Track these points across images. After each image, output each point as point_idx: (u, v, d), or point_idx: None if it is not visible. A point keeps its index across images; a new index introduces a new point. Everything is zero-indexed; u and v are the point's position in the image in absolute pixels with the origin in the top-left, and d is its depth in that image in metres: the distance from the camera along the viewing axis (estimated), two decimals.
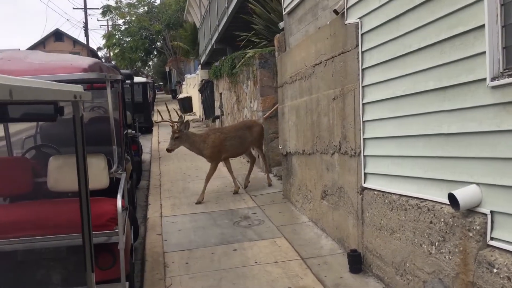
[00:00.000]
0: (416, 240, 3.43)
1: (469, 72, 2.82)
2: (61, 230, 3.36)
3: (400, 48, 3.56)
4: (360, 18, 4.18)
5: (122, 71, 6.13)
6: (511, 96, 2.50)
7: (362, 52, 4.17)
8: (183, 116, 7.26)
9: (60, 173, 3.63)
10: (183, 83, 31.03)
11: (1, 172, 3.75)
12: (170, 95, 40.04)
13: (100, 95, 6.21)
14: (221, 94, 14.42)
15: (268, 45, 9.27)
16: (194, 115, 23.34)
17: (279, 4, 8.99)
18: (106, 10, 36.17)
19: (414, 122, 3.46)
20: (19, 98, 1.18)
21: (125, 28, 35.78)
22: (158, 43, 36.84)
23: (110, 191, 3.73)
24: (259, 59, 8.85)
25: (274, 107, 8.47)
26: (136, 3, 34.93)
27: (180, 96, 27.52)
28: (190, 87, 25.80)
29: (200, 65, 21.95)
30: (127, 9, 35.16)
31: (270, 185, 7.94)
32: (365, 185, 4.26)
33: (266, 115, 8.77)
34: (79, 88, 1.95)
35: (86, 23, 40.02)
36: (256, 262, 4.76)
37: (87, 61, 3.66)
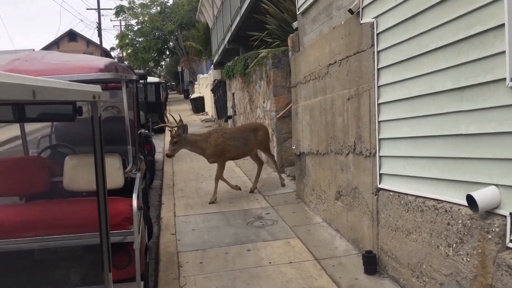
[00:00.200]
0: (433, 241, 3.39)
1: (488, 72, 2.78)
2: (77, 230, 3.39)
3: (416, 48, 3.52)
4: (375, 17, 4.15)
5: (135, 71, 6.16)
6: None
7: (378, 52, 4.14)
8: (182, 120, 7.17)
9: (76, 173, 3.66)
10: (196, 83, 31.14)
11: (18, 171, 3.78)
12: (183, 95, 40.22)
13: (113, 95, 6.25)
14: (233, 94, 14.43)
15: (281, 45, 9.24)
16: (207, 115, 23.40)
17: (292, 4, 8.98)
18: (120, 11, 36.43)
19: (430, 122, 3.43)
20: (42, 98, 1.18)
21: (138, 28, 36.02)
22: (171, 43, 37.01)
23: (124, 191, 3.75)
24: (272, 59, 8.83)
25: (288, 107, 8.45)
26: (149, 4, 35.14)
27: (193, 96, 27.64)
28: (203, 87, 25.87)
29: (212, 65, 22.00)
30: (140, 9, 35.37)
31: (283, 185, 7.92)
32: (380, 186, 4.22)
33: (279, 115, 8.76)
34: (97, 88, 1.96)
35: (99, 24, 40.35)
36: (270, 263, 4.75)
37: (103, 61, 3.69)
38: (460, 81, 3.04)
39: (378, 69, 4.15)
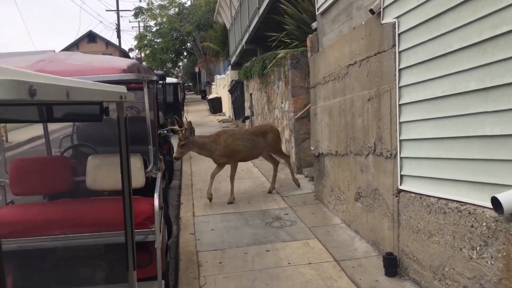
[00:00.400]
0: (456, 244, 3.35)
1: None
2: (100, 228, 3.43)
3: (439, 48, 3.49)
4: (397, 17, 4.12)
5: (155, 72, 6.21)
6: None
7: (399, 52, 4.10)
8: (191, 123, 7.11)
9: (98, 172, 3.71)
10: (213, 83, 31.26)
11: (42, 171, 3.84)
12: (200, 96, 40.40)
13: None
14: (251, 94, 14.45)
15: (300, 46, 9.22)
16: (224, 115, 23.47)
17: (311, 4, 8.95)
18: (138, 12, 36.78)
19: (453, 123, 3.39)
20: (74, 99, 1.20)
21: (156, 29, 36.30)
22: (188, 44, 37.22)
23: (145, 190, 3.78)
24: (290, 60, 8.82)
25: (306, 108, 8.42)
26: (167, 5, 35.38)
27: (210, 96, 27.74)
28: (220, 88, 25.95)
29: (230, 66, 22.08)
30: (158, 10, 35.64)
31: (298, 186, 7.88)
32: (401, 187, 4.19)
33: (298, 115, 8.74)
34: (123, 89, 1.98)
35: (118, 25, 40.75)
36: (289, 263, 4.74)
37: (126, 62, 3.72)
38: (485, 81, 3.00)
39: (399, 70, 4.12)
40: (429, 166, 3.75)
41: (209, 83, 34.87)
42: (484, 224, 3.02)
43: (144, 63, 26.64)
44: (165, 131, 8.34)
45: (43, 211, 3.68)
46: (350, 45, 5.31)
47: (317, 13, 6.88)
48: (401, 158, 4.18)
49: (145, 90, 4.01)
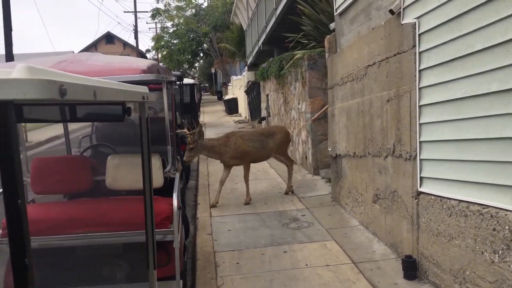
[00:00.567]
0: (477, 247, 3.30)
1: None
2: (120, 228, 3.46)
3: (461, 49, 3.44)
4: (417, 18, 4.08)
5: (173, 73, 6.25)
6: None
7: (420, 53, 4.06)
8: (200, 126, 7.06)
9: (118, 172, 3.74)
10: (229, 84, 31.34)
11: (63, 170, 3.89)
12: (216, 97, 40.56)
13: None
14: (268, 95, 14.45)
15: (317, 46, 9.19)
16: (240, 116, 23.51)
17: (328, 5, 8.93)
18: (156, 13, 37.10)
19: (475, 125, 3.34)
20: (100, 99, 1.21)
21: (173, 30, 36.54)
22: (205, 45, 37.39)
23: (163, 190, 3.80)
24: (308, 60, 8.79)
25: (323, 109, 8.39)
26: (184, 6, 35.60)
27: (226, 97, 27.83)
28: (236, 89, 26.02)
29: (246, 67, 22.11)
30: (175, 12, 35.88)
31: (292, 193, 7.67)
32: (421, 190, 4.14)
33: (315, 116, 8.71)
34: (145, 89, 1.99)
35: (136, 26, 41.14)
36: (306, 265, 4.72)
37: (145, 62, 3.75)
38: (508, 82, 2.96)
39: (419, 70, 4.08)
40: (450, 168, 3.71)
41: (225, 84, 34.98)
42: (507, 227, 2.97)
43: (161, 64, 26.84)
44: (182, 132, 8.40)
45: (64, 210, 3.73)
46: (369, 45, 5.28)
47: (335, 14, 6.85)
48: (421, 160, 4.13)
49: (164, 90, 4.04)
